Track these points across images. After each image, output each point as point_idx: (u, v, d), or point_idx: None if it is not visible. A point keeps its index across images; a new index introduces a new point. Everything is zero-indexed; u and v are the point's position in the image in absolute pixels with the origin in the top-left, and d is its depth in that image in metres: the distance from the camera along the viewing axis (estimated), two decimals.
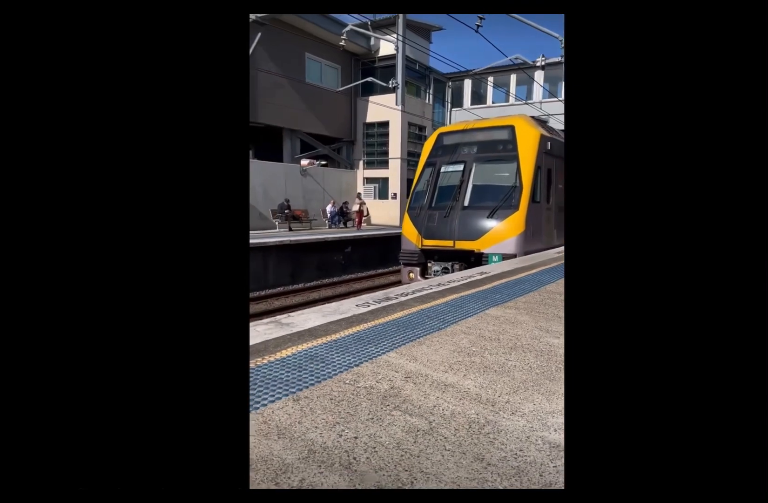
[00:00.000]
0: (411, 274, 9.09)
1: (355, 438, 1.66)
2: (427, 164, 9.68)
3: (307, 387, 2.09)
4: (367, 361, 2.43)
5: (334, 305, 3.62)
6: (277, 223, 14.79)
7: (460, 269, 8.31)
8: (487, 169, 9.01)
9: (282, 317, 3.24)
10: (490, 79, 20.80)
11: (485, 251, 8.28)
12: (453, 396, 2.02)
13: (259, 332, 2.88)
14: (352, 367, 2.34)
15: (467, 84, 21.92)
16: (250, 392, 2.02)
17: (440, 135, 9.91)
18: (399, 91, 13.30)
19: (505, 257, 7.90)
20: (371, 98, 18.96)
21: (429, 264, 9.11)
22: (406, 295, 3.95)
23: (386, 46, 18.22)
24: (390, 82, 13.53)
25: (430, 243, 8.89)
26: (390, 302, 3.66)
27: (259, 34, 11.70)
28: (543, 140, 8.81)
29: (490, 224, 8.28)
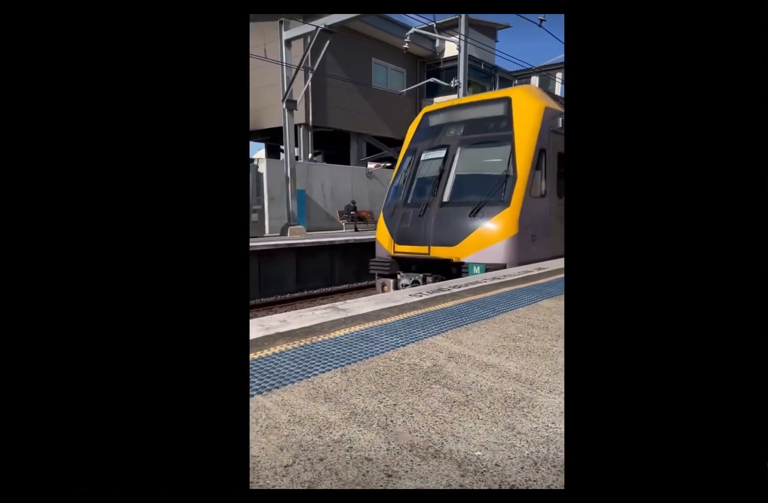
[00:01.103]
0: (385, 287, 7.40)
1: (395, 405, 1.79)
2: (408, 152, 7.90)
3: (355, 362, 2.25)
4: (413, 342, 2.56)
5: (387, 294, 3.77)
6: (343, 223, 15.25)
7: (434, 281, 6.59)
8: (475, 154, 7.07)
9: (339, 304, 3.43)
10: (558, 75, 20.16)
11: (465, 259, 6.36)
12: (493, 375, 2.10)
13: (317, 315, 3.09)
14: (399, 347, 2.48)
15: (534, 81, 21.38)
16: (305, 364, 2.21)
17: (425, 115, 8.07)
18: (460, 90, 13.25)
19: (490, 267, 6.02)
20: (435, 99, 19.03)
21: (399, 276, 7.14)
22: (459, 287, 4.02)
23: (451, 48, 18.22)
24: (452, 82, 13.54)
25: (403, 250, 7.03)
26: (442, 293, 3.75)
27: (328, 42, 12.19)
28: (549, 115, 6.79)
29: (472, 224, 6.41)
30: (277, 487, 1.28)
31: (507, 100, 6.89)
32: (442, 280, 6.35)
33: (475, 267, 6.25)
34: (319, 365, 2.20)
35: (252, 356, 2.37)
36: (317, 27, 11.70)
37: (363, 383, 2.00)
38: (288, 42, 12.82)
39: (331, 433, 1.57)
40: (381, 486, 1.29)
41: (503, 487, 1.29)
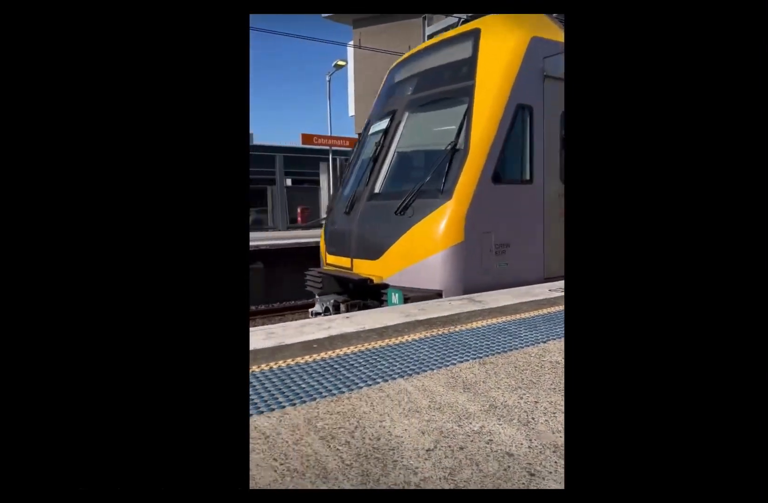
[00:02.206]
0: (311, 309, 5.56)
1: (536, 402, 1.74)
2: (367, 124, 5.95)
3: (493, 354, 2.23)
4: (555, 339, 2.45)
5: (525, 288, 3.65)
6: None
7: (348, 310, 4.49)
8: (424, 121, 4.98)
9: (474, 296, 3.42)
10: None
11: (387, 280, 4.38)
12: None
13: (453, 305, 3.11)
14: (539, 343, 2.39)
15: None
16: (444, 353, 2.25)
17: (391, 71, 5.96)
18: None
19: (415, 296, 3.98)
20: None
21: (316, 298, 5.42)
22: None
23: None
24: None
25: (332, 261, 5.29)
26: None
27: None
28: (540, 49, 4.49)
29: (399, 228, 4.34)
30: (276, 487, 1.31)
31: (474, 35, 4.62)
32: (363, 307, 4.48)
33: (393, 295, 4.11)
34: (457, 355, 2.23)
35: (393, 340, 2.48)
36: (459, 18, 11.50)
37: (502, 376, 1.98)
38: (431, 36, 12.87)
39: (470, 423, 1.59)
40: (523, 484, 1.27)
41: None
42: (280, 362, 2.30)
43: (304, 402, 1.84)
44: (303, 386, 1.99)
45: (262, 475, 1.37)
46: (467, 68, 4.56)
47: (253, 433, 1.62)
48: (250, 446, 1.52)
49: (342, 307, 4.60)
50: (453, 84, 4.67)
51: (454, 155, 4.23)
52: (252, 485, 1.31)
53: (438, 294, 3.99)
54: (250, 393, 1.94)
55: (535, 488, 1.27)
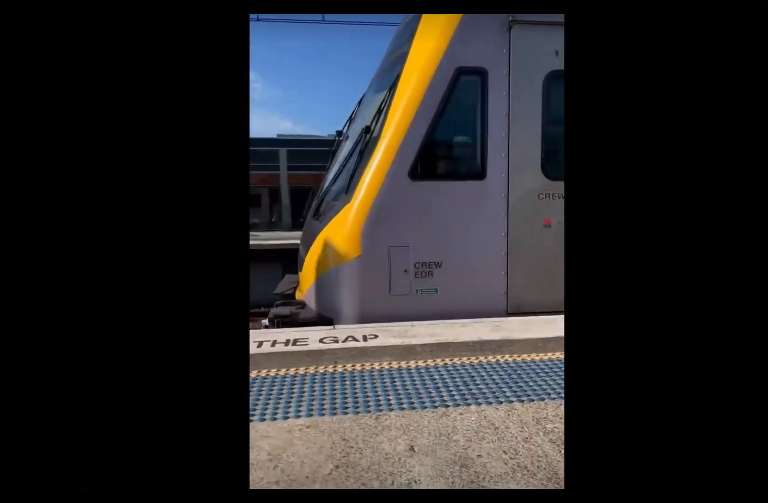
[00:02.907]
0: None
1: None
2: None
3: None
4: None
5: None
6: None
7: (279, 326, 3.63)
8: (371, 104, 4.02)
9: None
10: None
11: (304, 297, 3.82)
12: None
13: None
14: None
15: None
16: None
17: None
18: None
19: (305, 321, 3.41)
20: None
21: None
22: None
23: None
24: None
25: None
26: None
27: None
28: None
29: (313, 236, 3.74)
30: (276, 487, 1.30)
31: None
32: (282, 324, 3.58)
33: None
34: None
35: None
36: None
37: None
38: None
39: None
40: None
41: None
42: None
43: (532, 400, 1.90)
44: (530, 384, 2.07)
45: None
46: (409, 33, 3.58)
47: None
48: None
49: (274, 322, 3.74)
50: (393, 55, 3.73)
51: (367, 144, 3.30)
52: None
53: (328, 321, 3.26)
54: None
55: (534, 488, 1.26)
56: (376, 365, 2.50)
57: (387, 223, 3.14)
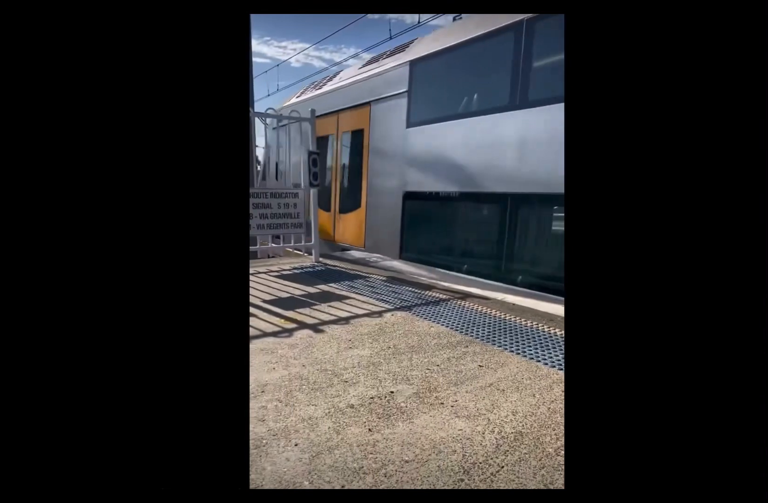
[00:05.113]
0: None
1: None
2: None
3: None
4: None
5: None
6: None
7: None
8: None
9: None
10: None
11: None
12: None
13: None
14: None
15: None
16: None
17: None
18: None
19: None
20: None
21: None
22: None
23: None
24: None
25: None
26: None
27: None
28: None
29: None
30: (276, 488, 1.29)
31: None
32: None
33: None
34: None
35: None
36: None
37: None
38: None
39: None
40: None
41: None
42: None
43: None
44: None
45: None
46: None
47: None
48: None
49: None
50: None
51: None
52: None
53: None
54: None
55: (534, 488, 1.25)
56: None
57: None
